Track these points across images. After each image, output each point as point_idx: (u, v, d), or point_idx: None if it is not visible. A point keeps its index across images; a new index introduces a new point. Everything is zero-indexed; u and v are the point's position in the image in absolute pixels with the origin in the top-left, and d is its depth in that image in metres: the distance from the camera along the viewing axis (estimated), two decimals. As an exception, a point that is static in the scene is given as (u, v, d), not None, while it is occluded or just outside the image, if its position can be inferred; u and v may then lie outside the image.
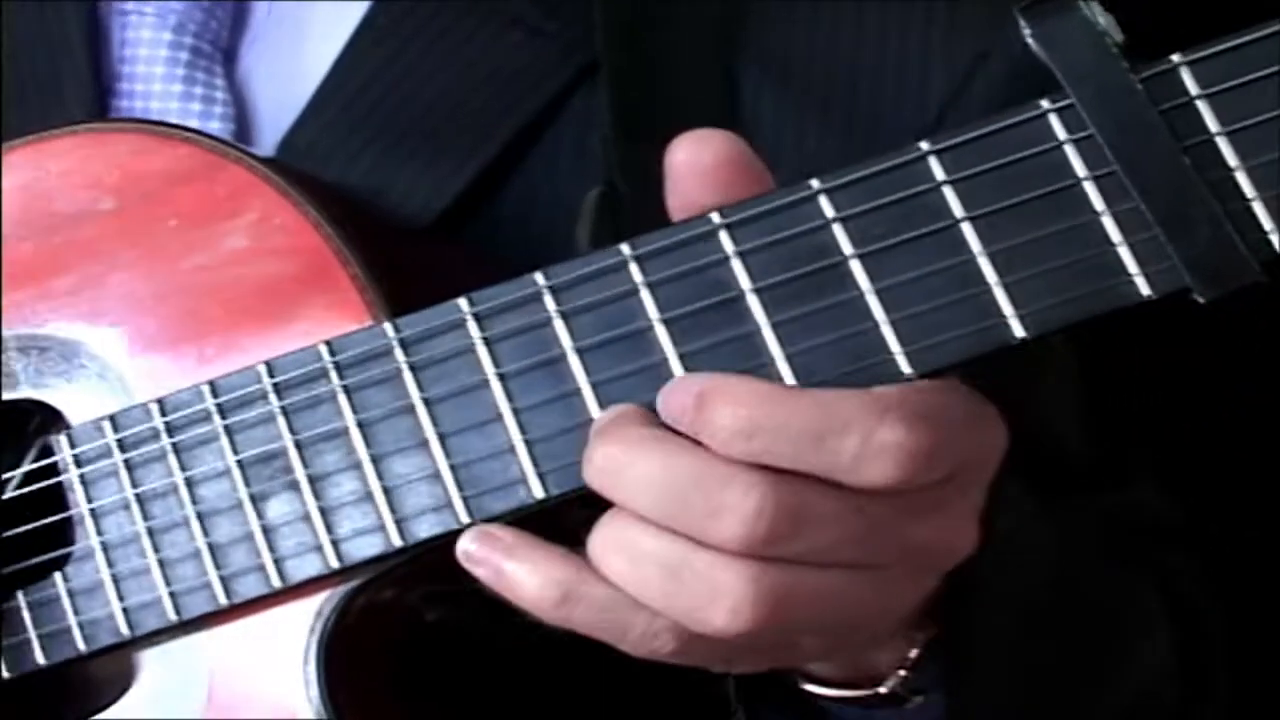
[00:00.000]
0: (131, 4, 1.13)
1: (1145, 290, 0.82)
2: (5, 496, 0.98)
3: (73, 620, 0.96)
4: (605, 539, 0.84)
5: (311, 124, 1.09)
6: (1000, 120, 0.83)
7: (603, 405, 0.87)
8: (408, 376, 0.90)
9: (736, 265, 0.85)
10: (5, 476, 0.98)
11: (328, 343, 0.91)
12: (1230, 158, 0.81)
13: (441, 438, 0.89)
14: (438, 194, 1.06)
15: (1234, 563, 1.22)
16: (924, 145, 0.84)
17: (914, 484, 0.81)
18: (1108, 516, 1.12)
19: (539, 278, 0.88)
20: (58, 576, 0.97)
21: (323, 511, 0.91)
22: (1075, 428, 1.13)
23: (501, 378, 0.88)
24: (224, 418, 0.93)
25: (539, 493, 0.88)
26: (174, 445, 0.94)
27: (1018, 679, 0.99)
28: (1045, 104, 0.83)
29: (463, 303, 0.89)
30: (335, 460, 0.91)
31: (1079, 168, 0.82)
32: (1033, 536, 0.99)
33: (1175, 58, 0.81)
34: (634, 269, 0.87)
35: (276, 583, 0.92)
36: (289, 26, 1.14)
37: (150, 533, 0.94)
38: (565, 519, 0.87)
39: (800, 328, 0.85)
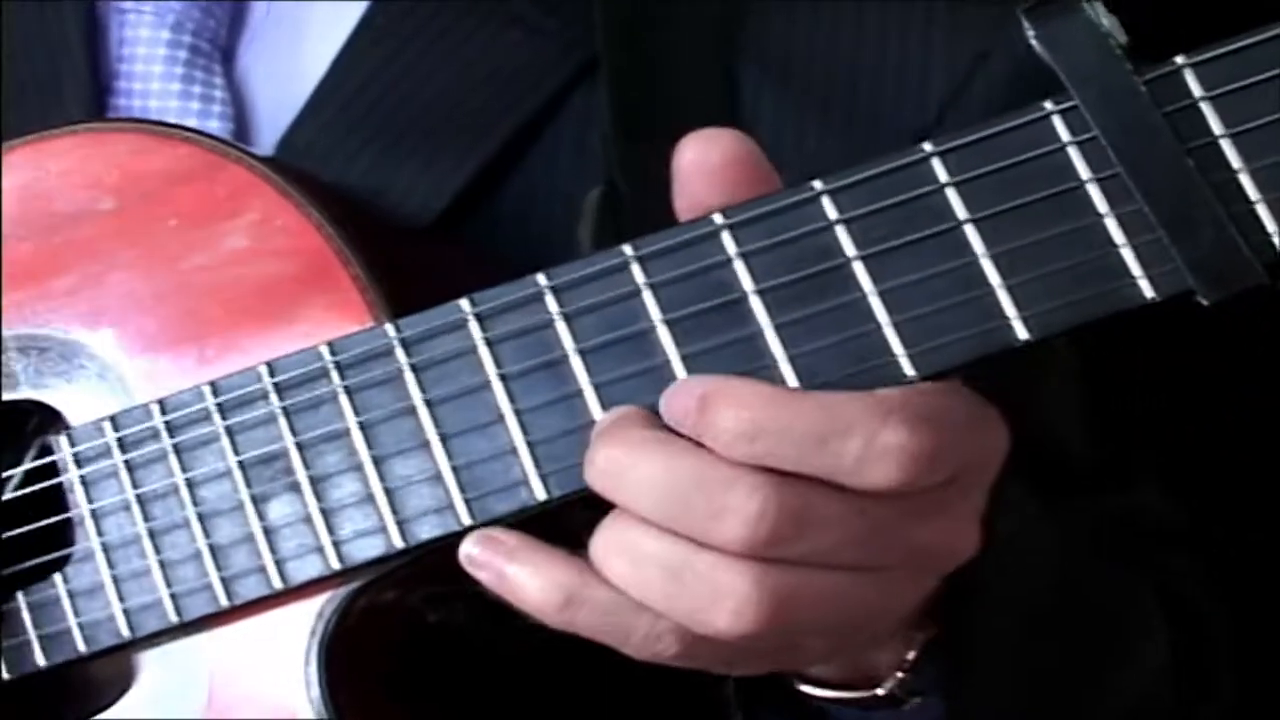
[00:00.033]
0: (130, 3, 1.13)
1: (1149, 293, 0.82)
2: (5, 497, 0.98)
3: (73, 621, 0.96)
4: (607, 541, 0.84)
5: (310, 124, 1.09)
6: (1003, 122, 0.83)
7: (605, 407, 0.87)
8: (409, 377, 0.90)
9: (739, 266, 0.85)
10: (5, 476, 0.98)
11: (329, 343, 0.91)
12: (1234, 160, 0.80)
13: (443, 439, 0.89)
14: (437, 193, 1.06)
15: (1237, 565, 1.22)
16: (927, 147, 0.84)
17: (917, 486, 0.81)
18: (1110, 519, 1.12)
19: (541, 278, 0.88)
20: (58, 577, 0.96)
21: (324, 513, 0.91)
22: (1078, 430, 1.13)
23: (503, 379, 0.88)
24: (225, 418, 0.93)
25: (541, 494, 0.88)
26: (175, 446, 0.94)
27: (1018, 681, 0.99)
28: (1048, 106, 0.83)
29: (464, 303, 0.89)
30: (336, 461, 0.91)
31: (1082, 170, 0.82)
32: (1034, 539, 0.99)
33: (1179, 60, 0.81)
34: (636, 270, 0.87)
35: (278, 584, 0.92)
36: (287, 26, 1.14)
37: (151, 534, 0.94)
38: (567, 521, 0.87)
39: (803, 329, 0.85)
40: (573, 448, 0.87)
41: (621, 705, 1.00)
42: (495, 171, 1.07)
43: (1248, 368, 1.55)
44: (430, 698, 0.97)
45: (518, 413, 0.88)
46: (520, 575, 0.85)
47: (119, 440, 0.95)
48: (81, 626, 0.96)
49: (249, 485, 0.92)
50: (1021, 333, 0.83)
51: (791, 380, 0.84)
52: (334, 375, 0.91)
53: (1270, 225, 0.80)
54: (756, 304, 0.85)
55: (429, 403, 0.89)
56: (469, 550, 0.87)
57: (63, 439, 0.96)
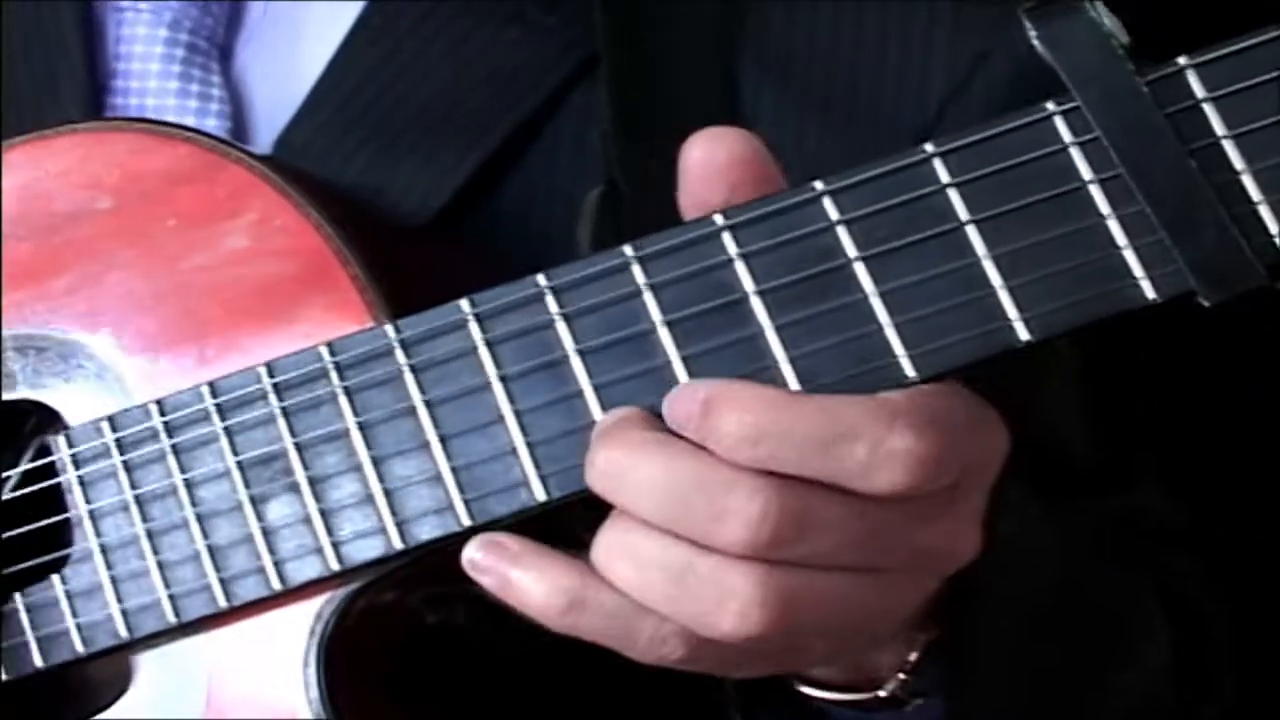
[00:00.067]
0: (127, 2, 1.13)
1: (1150, 294, 0.82)
2: (3, 498, 0.97)
3: (71, 622, 0.96)
4: (610, 545, 0.84)
5: (307, 123, 1.09)
6: (1005, 123, 0.83)
7: (605, 407, 0.86)
8: (409, 378, 0.89)
9: (740, 267, 0.85)
10: (3, 476, 0.98)
11: (329, 344, 0.91)
12: (1236, 161, 0.80)
13: (443, 440, 0.89)
14: (436, 191, 1.06)
15: (1238, 566, 1.22)
16: (929, 148, 0.84)
17: (922, 490, 0.81)
18: (1112, 520, 1.12)
19: (541, 279, 0.88)
20: (56, 578, 0.96)
21: (323, 513, 0.91)
22: (1079, 431, 1.13)
23: (503, 379, 0.88)
24: (224, 419, 0.92)
25: (541, 495, 0.87)
26: (173, 446, 0.93)
27: (1019, 682, 0.99)
28: (1050, 106, 0.83)
29: (464, 304, 0.88)
30: (336, 462, 0.91)
31: (1084, 170, 0.82)
32: (1036, 540, 0.99)
33: (1181, 60, 0.81)
34: (637, 270, 0.86)
35: (276, 585, 0.92)
36: (284, 25, 1.14)
37: (149, 534, 0.94)
38: (566, 522, 0.87)
39: (804, 330, 0.84)
40: (573, 449, 0.86)
41: (621, 705, 1.00)
42: (494, 170, 1.07)
43: (1249, 369, 1.55)
44: (430, 699, 0.97)
45: (518, 413, 0.88)
46: (524, 580, 0.85)
47: (117, 441, 0.94)
48: (79, 627, 0.95)
49: (248, 486, 0.92)
50: (1023, 334, 0.83)
51: (792, 381, 0.84)
52: (333, 376, 0.91)
53: (1272, 226, 0.80)
54: (757, 305, 0.85)
55: (429, 403, 0.89)
56: (472, 555, 0.86)
57: (61, 439, 0.96)
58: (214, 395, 0.93)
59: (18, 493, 0.97)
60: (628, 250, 0.87)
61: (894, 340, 0.84)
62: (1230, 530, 1.39)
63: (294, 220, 0.94)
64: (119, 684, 0.96)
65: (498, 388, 0.88)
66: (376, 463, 0.90)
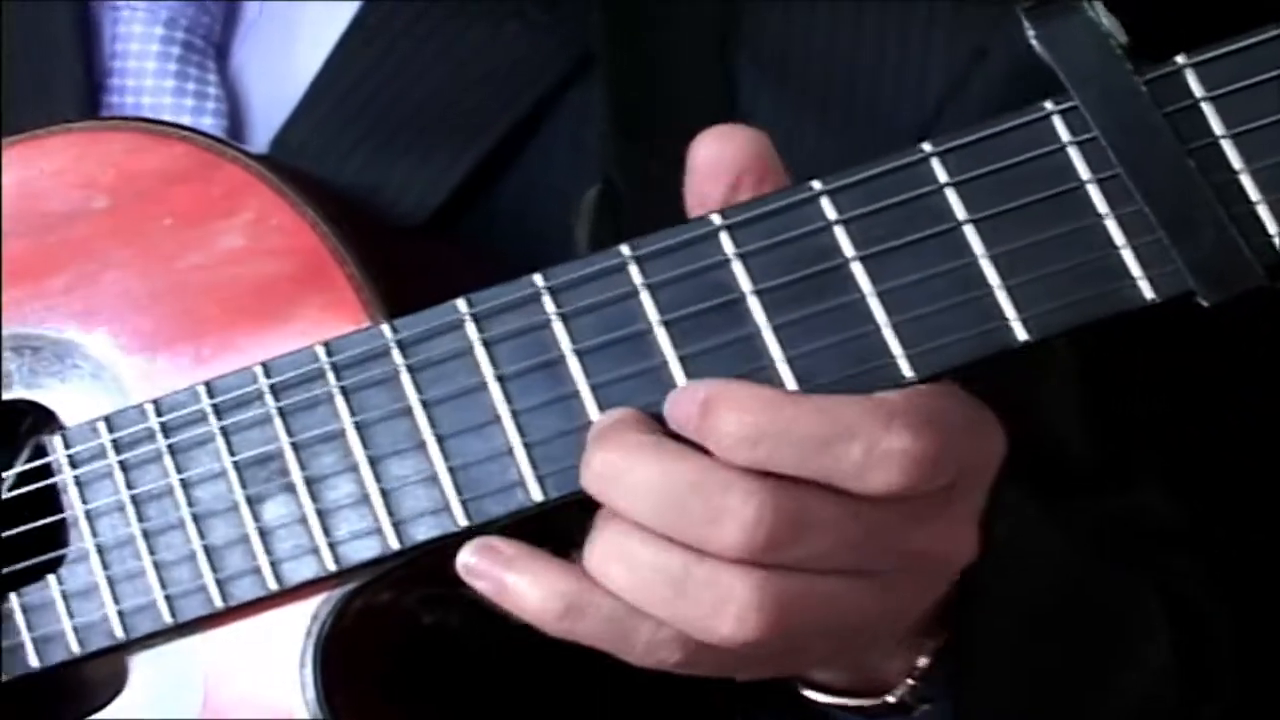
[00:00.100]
0: (122, 0, 1.13)
1: (1149, 294, 0.81)
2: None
3: (67, 623, 0.95)
4: (605, 549, 0.83)
5: (303, 122, 1.09)
6: (1003, 122, 0.83)
7: (602, 408, 0.86)
8: (405, 378, 0.89)
9: (737, 267, 0.85)
10: (-1, 477, 0.98)
11: (325, 343, 0.91)
12: (1235, 161, 0.80)
13: (439, 440, 0.89)
14: (433, 190, 1.06)
15: (1238, 566, 1.21)
16: (926, 147, 0.83)
17: (918, 490, 0.81)
18: (1111, 520, 1.11)
19: (538, 279, 0.87)
20: (52, 579, 0.96)
21: (320, 514, 0.91)
22: (1078, 431, 1.13)
23: (500, 379, 0.88)
24: (220, 419, 0.92)
25: (537, 496, 0.87)
26: (170, 446, 0.93)
27: (1020, 683, 0.98)
28: (1049, 106, 0.83)
29: (461, 304, 0.88)
30: (332, 462, 0.90)
31: (1082, 170, 0.82)
32: (1035, 541, 0.99)
33: (1180, 59, 0.81)
34: (634, 270, 0.86)
35: (273, 585, 0.92)
36: (280, 24, 1.14)
37: (145, 535, 0.94)
38: (564, 524, 0.87)
39: (801, 330, 0.84)
40: (570, 449, 0.86)
41: (619, 706, 1.00)
42: (491, 168, 1.07)
43: (1248, 369, 1.55)
44: (426, 699, 0.97)
45: (514, 414, 0.88)
46: (520, 585, 0.85)
47: (114, 441, 0.94)
48: (76, 628, 0.95)
49: (244, 486, 0.92)
50: (1021, 334, 0.82)
51: (789, 381, 0.84)
52: (330, 375, 0.90)
53: (1271, 226, 0.80)
54: (755, 304, 0.85)
55: (425, 403, 0.89)
56: (467, 560, 0.86)
57: (57, 439, 0.96)
58: (210, 395, 0.92)
59: (14, 493, 0.97)
60: (625, 250, 0.86)
61: (891, 340, 0.83)
62: (1230, 530, 1.39)
63: (290, 219, 0.94)
64: (115, 684, 0.96)
65: (494, 388, 0.88)
66: (373, 463, 0.90)
